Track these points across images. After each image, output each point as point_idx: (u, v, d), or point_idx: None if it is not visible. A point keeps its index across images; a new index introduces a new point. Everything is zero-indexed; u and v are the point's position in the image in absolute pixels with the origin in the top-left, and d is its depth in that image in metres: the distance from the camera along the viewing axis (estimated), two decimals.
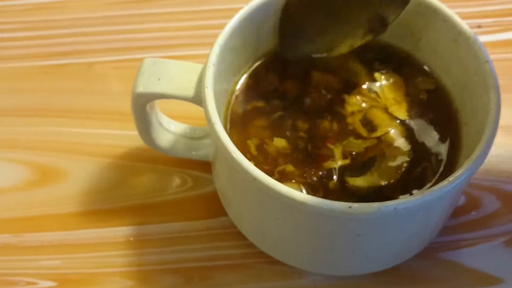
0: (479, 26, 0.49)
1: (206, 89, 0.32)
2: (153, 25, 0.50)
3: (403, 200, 0.28)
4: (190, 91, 0.33)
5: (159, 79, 0.34)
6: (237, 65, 0.37)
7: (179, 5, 0.51)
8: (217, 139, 0.31)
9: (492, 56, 0.33)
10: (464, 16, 0.35)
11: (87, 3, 0.51)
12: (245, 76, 0.38)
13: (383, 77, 0.37)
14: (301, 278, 0.38)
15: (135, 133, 0.38)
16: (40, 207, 0.41)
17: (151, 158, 0.42)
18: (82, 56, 0.48)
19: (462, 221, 0.40)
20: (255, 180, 0.29)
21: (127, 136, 0.43)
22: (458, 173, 0.29)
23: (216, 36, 0.34)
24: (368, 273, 0.37)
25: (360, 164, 0.34)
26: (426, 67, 0.38)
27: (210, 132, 0.33)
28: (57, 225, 0.40)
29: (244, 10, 0.35)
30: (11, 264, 0.39)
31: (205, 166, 0.40)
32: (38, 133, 0.44)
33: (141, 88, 0.34)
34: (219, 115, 0.32)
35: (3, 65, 0.48)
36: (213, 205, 0.40)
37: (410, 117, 0.36)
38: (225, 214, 0.39)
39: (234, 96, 0.37)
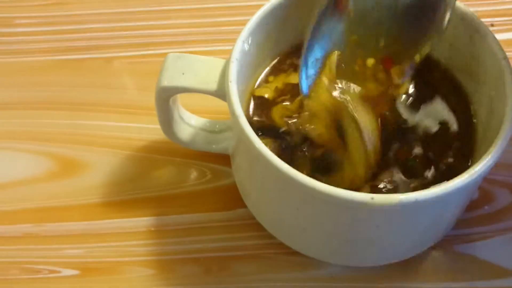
0: (492, 25, 0.50)
1: (230, 83, 0.33)
2: (171, 22, 0.50)
3: (424, 192, 0.29)
4: (213, 85, 0.34)
5: (183, 74, 0.34)
6: (258, 60, 0.37)
7: (197, 2, 0.51)
8: (240, 131, 0.31)
9: None
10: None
11: None
12: (265, 71, 0.38)
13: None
14: (319, 269, 0.38)
15: (154, 126, 0.39)
16: (61, 198, 0.42)
17: (170, 151, 0.43)
18: (100, 52, 0.49)
19: (476, 214, 0.40)
20: (277, 170, 0.30)
21: (146, 129, 0.44)
22: (477, 167, 0.30)
23: (232, 33, 0.35)
24: (384, 264, 0.38)
25: None
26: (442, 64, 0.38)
27: (233, 125, 0.33)
28: (79, 215, 0.41)
29: (268, 5, 0.35)
30: (33, 252, 0.40)
31: (224, 159, 0.41)
32: (58, 126, 0.45)
33: (166, 82, 0.34)
34: None
35: (22, 59, 0.48)
36: (231, 197, 0.40)
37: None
38: (243, 206, 0.39)
39: (254, 91, 0.38)
